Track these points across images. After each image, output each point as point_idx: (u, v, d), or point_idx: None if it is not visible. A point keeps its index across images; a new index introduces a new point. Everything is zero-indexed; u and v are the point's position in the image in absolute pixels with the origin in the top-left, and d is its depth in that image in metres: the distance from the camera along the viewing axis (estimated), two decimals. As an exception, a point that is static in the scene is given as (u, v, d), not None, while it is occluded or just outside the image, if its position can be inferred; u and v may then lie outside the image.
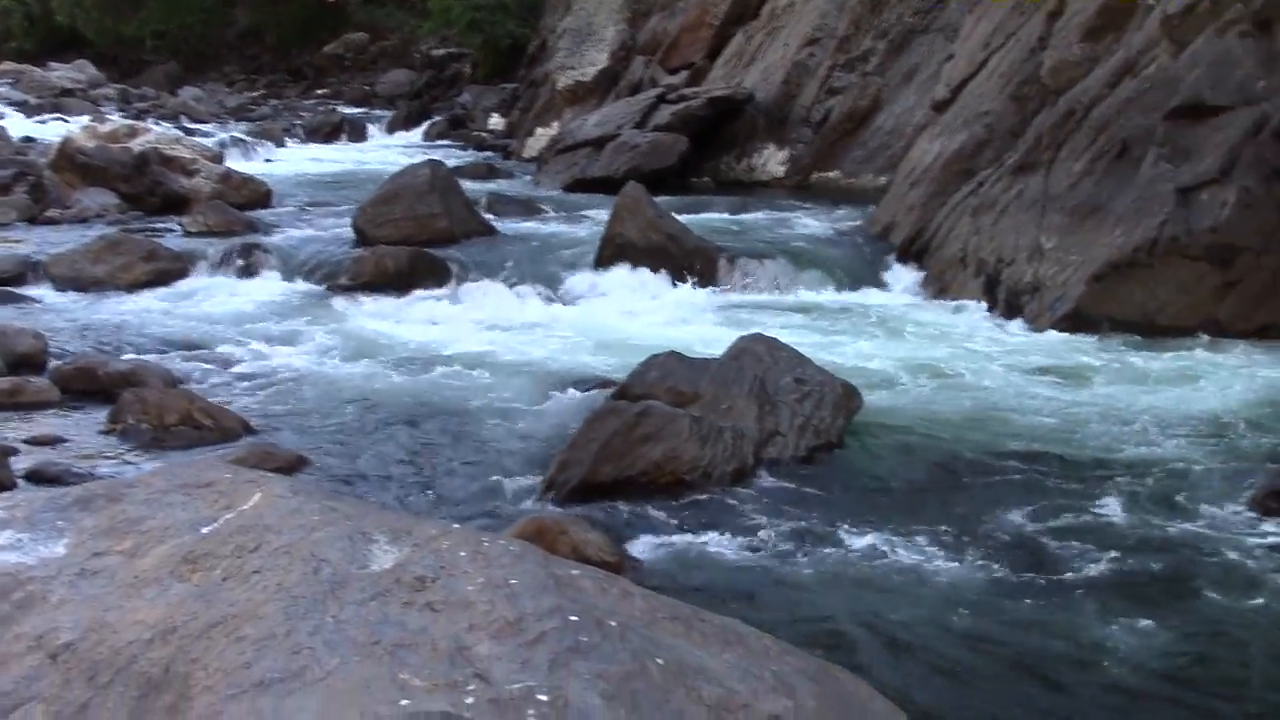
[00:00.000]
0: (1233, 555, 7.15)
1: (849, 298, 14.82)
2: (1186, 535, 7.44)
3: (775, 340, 9.82)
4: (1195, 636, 6.17)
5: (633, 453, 8.16)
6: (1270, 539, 7.34)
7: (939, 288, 14.78)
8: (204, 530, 3.36)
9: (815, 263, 15.59)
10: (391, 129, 36.47)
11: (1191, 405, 10.15)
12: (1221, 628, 6.28)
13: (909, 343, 12.55)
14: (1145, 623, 6.27)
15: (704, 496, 7.98)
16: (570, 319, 13.64)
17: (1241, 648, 6.07)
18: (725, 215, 18.99)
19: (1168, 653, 6.00)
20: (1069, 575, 6.86)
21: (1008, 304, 13.71)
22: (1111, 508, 7.88)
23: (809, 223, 18.26)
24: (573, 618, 2.87)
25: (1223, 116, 13.01)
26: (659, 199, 16.20)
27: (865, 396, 9.60)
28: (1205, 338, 12.33)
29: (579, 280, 14.71)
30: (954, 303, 14.26)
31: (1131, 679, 5.75)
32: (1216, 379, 11.03)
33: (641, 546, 7.18)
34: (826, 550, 7.15)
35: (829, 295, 14.90)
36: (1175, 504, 7.92)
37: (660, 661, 2.83)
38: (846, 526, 7.45)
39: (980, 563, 6.98)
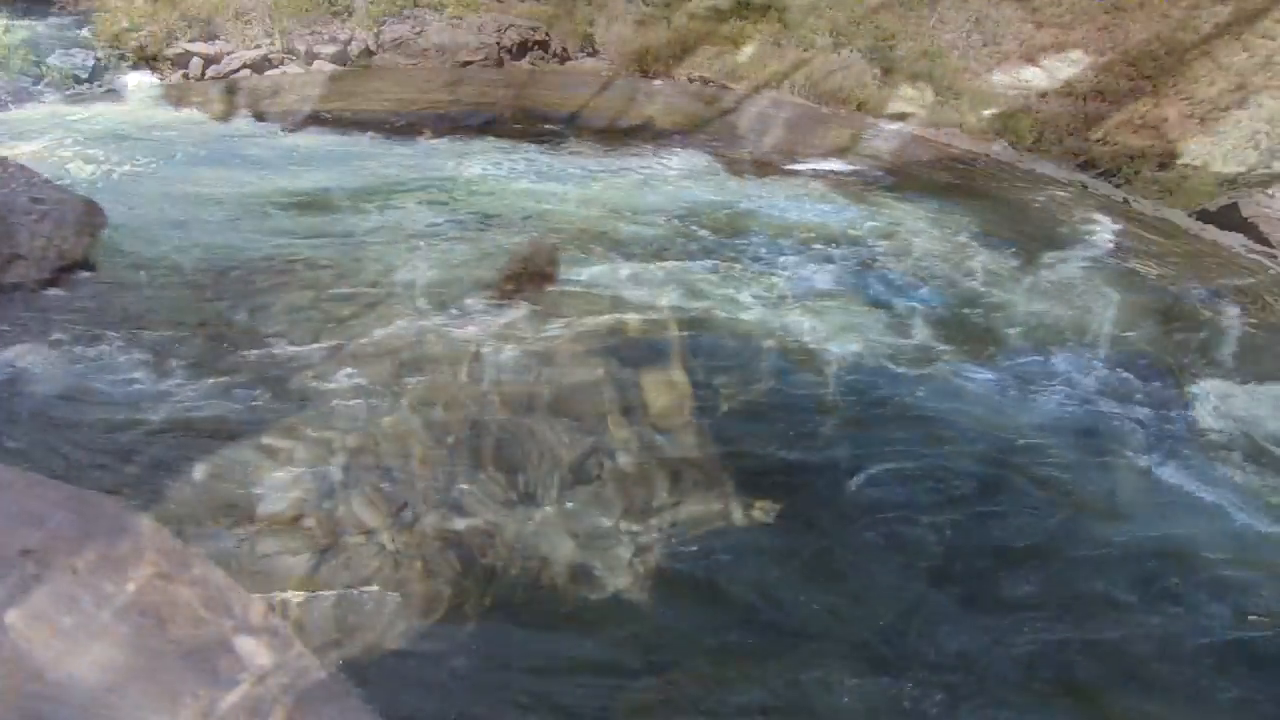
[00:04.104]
0: (474, 333, 7.91)
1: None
2: (443, 324, 8.00)
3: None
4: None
5: None
6: (504, 319, 8.18)
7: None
8: None
9: None
10: None
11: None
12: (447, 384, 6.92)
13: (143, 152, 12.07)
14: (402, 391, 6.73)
15: (-58, 332, 7.43)
16: None
17: (455, 398, 6.73)
18: None
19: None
20: (324, 383, 7.22)
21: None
22: (368, 309, 8.27)
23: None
24: None
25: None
26: None
27: (111, 213, 9.22)
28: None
29: None
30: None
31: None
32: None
33: None
34: (79, 375, 7.00)
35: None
36: (443, 298, 8.47)
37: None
38: (99, 348, 7.32)
39: (202, 368, 7.09)
